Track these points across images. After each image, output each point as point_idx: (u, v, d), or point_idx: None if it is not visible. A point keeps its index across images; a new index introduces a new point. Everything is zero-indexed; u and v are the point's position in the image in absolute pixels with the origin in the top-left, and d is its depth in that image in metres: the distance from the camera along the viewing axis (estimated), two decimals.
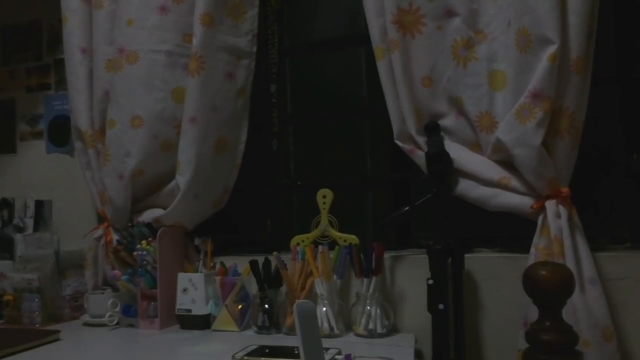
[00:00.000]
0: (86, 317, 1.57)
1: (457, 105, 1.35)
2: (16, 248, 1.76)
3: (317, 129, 1.78)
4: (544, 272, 0.89)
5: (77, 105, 1.70)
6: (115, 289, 1.60)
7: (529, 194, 1.23)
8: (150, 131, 1.58)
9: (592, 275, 1.16)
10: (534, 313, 1.00)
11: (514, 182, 1.25)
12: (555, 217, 1.18)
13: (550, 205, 1.19)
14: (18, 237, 1.77)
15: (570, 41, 1.16)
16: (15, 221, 1.89)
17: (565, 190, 1.20)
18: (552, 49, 1.15)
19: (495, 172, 1.28)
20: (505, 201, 1.26)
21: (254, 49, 1.66)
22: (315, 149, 1.77)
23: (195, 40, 1.52)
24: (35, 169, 2.00)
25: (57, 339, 1.37)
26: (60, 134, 1.95)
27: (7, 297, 1.61)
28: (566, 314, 0.95)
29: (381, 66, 1.41)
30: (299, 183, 1.77)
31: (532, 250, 1.22)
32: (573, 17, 1.16)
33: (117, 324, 1.53)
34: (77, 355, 1.26)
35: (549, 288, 0.88)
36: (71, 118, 1.74)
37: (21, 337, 1.34)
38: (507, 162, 1.26)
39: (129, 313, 1.52)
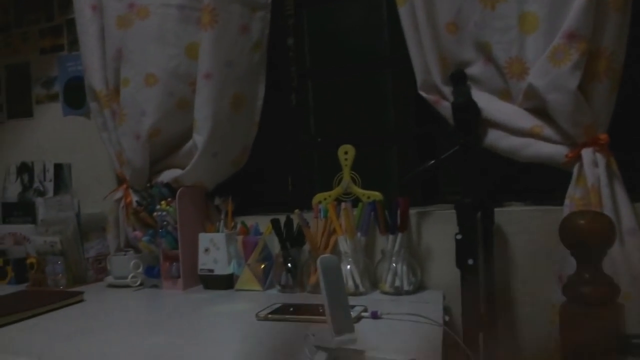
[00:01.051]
0: (110, 279, 1.57)
1: (484, 51, 1.27)
2: (37, 212, 1.77)
3: (337, 83, 1.71)
4: (582, 222, 0.84)
5: (90, 64, 1.66)
6: (137, 250, 1.59)
7: (564, 142, 1.16)
8: (165, 89, 1.54)
9: (632, 226, 1.10)
10: (570, 266, 0.95)
11: (547, 131, 1.18)
12: (593, 165, 1.11)
13: (587, 153, 1.12)
14: (39, 200, 1.77)
15: None
16: (36, 185, 1.89)
17: (603, 137, 1.13)
18: None
19: (527, 120, 1.21)
20: (538, 151, 1.19)
21: (269, 0, 1.59)
22: (335, 104, 1.71)
23: None
24: (52, 132, 1.99)
25: (81, 300, 1.38)
26: (76, 95, 1.92)
27: (30, 260, 1.62)
28: (605, 266, 0.90)
29: (403, 12, 1.33)
30: (319, 139, 1.72)
31: (567, 201, 1.15)
32: None
33: (141, 284, 1.53)
34: (101, 315, 1.26)
35: (589, 237, 0.83)
36: (85, 78, 1.70)
37: (46, 298, 1.34)
38: (540, 110, 1.19)
39: (152, 274, 1.51)
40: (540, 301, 1.23)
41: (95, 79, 1.65)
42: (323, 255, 0.80)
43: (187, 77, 1.54)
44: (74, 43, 1.88)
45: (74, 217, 1.63)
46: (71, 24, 1.87)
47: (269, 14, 1.60)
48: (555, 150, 1.17)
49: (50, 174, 1.88)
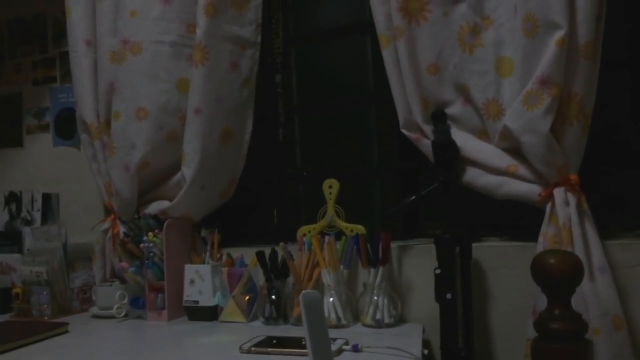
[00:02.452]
0: (95, 309, 1.58)
1: (463, 92, 1.33)
2: (24, 241, 1.78)
3: (323, 119, 1.77)
4: (552, 260, 0.88)
5: (82, 97, 1.69)
6: (123, 281, 1.60)
7: (537, 181, 1.22)
8: (156, 123, 1.58)
9: (602, 263, 1.14)
10: (543, 302, 0.98)
11: (522, 170, 1.23)
12: (564, 204, 1.16)
13: (558, 192, 1.17)
14: (26, 230, 1.79)
15: (579, 25, 1.14)
16: (23, 214, 1.91)
17: (574, 177, 1.18)
18: (559, 33, 1.13)
19: (503, 160, 1.26)
20: (513, 189, 1.25)
21: (259, 38, 1.65)
22: (321, 139, 1.76)
23: (199, 31, 1.51)
24: (42, 162, 2.01)
25: (66, 331, 1.38)
26: (66, 126, 1.95)
27: (16, 290, 1.62)
28: (576, 302, 0.94)
29: (387, 54, 1.39)
30: (305, 173, 1.76)
31: (541, 238, 1.20)
32: (581, 1, 1.14)
33: (126, 315, 1.53)
34: (86, 347, 1.27)
35: (558, 276, 0.87)
36: (76, 110, 1.74)
37: (31, 329, 1.35)
38: (515, 150, 1.25)
39: (137, 305, 1.52)
40: (516, 335, 1.27)
41: (86, 112, 1.69)
42: (305, 291, 0.83)
43: (177, 111, 1.58)
44: (66, 75, 1.92)
45: (60, 247, 1.64)
46: (64, 56, 1.91)
47: (259, 52, 1.65)
48: (529, 189, 1.22)
49: (38, 204, 1.90)
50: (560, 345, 0.87)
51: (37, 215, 1.89)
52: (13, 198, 1.94)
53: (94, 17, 1.68)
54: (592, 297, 1.11)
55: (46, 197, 1.90)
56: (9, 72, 2.08)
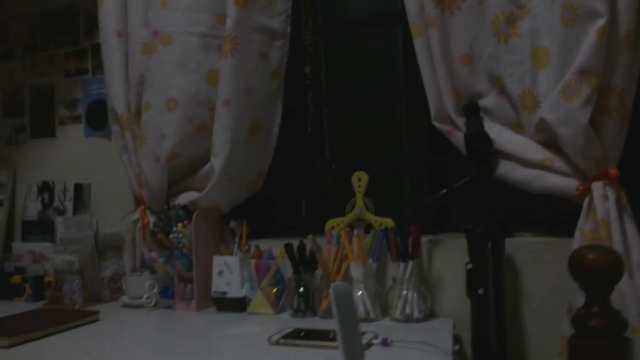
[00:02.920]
0: (125, 299, 1.60)
1: (497, 84, 1.30)
2: (56, 230, 1.81)
3: (352, 111, 1.75)
4: (592, 256, 0.85)
5: (114, 88, 1.71)
6: (152, 271, 1.62)
7: (575, 175, 1.18)
8: (185, 114, 1.58)
9: None
10: (578, 298, 0.96)
11: (558, 163, 1.20)
12: (603, 199, 1.13)
13: (597, 187, 1.14)
14: (58, 219, 1.81)
15: (620, 14, 1.11)
16: (56, 204, 1.94)
17: (613, 171, 1.14)
18: (600, 22, 1.09)
19: (538, 152, 1.23)
20: (549, 183, 1.21)
21: (288, 29, 1.64)
22: (350, 131, 1.74)
23: (229, 21, 1.51)
24: (74, 152, 2.04)
25: (97, 320, 1.40)
26: (97, 117, 1.98)
27: (48, 279, 1.65)
28: (614, 299, 0.91)
29: (418, 44, 1.36)
30: (333, 166, 1.75)
31: (577, 234, 1.17)
32: None
33: (155, 305, 1.55)
34: (116, 335, 1.29)
35: (598, 272, 0.84)
36: (108, 102, 1.76)
37: (62, 317, 1.37)
38: (551, 143, 1.22)
39: (167, 295, 1.54)
40: (550, 332, 1.24)
41: (117, 103, 1.70)
42: (336, 283, 0.82)
43: (207, 102, 1.58)
44: (98, 67, 1.94)
45: (92, 236, 1.67)
46: (96, 48, 1.94)
47: (288, 43, 1.64)
48: (566, 183, 1.19)
49: (70, 194, 1.93)
50: (599, 343, 0.84)
51: (69, 205, 1.92)
52: (46, 188, 1.98)
53: (125, 9, 1.70)
54: (631, 294, 1.08)
55: (78, 187, 1.93)
56: (42, 63, 2.12)
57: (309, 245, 1.42)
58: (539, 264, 1.30)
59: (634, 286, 1.09)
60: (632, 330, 1.04)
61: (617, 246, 1.09)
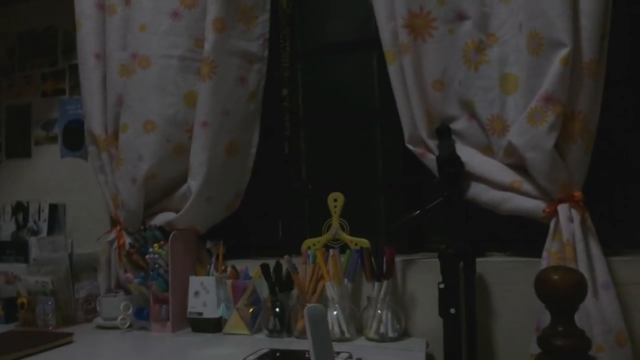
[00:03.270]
0: (99, 320, 1.58)
1: (468, 108, 1.35)
2: (30, 251, 1.79)
3: (329, 133, 1.78)
4: (555, 277, 0.88)
5: (91, 109, 1.72)
6: (127, 292, 1.61)
7: (542, 197, 1.22)
8: (163, 135, 1.59)
9: (606, 280, 1.14)
10: (546, 318, 0.99)
11: (526, 186, 1.24)
12: (568, 221, 1.17)
13: (562, 209, 1.18)
14: (32, 240, 1.79)
15: (583, 43, 1.16)
16: (30, 224, 1.92)
17: (578, 194, 1.18)
18: (564, 51, 1.14)
19: (507, 175, 1.27)
20: (517, 205, 1.25)
21: (266, 53, 1.67)
22: (326, 153, 1.77)
23: (207, 45, 1.53)
24: (49, 173, 2.03)
25: (70, 342, 1.39)
26: (74, 138, 1.97)
27: (21, 300, 1.63)
28: (579, 319, 0.95)
29: (392, 70, 1.40)
30: (310, 186, 1.77)
31: (545, 254, 1.20)
32: (585, 20, 1.15)
33: (130, 326, 1.54)
34: (90, 357, 1.28)
35: (561, 293, 0.87)
36: (85, 122, 1.76)
37: (35, 339, 1.36)
38: (519, 166, 1.26)
39: (142, 316, 1.53)
40: (520, 351, 1.26)
41: (95, 124, 1.71)
42: (310, 305, 0.84)
43: (184, 124, 1.60)
44: (75, 87, 1.95)
45: (66, 257, 1.66)
46: (73, 69, 1.94)
47: (265, 67, 1.68)
48: (533, 205, 1.23)
49: (45, 214, 1.91)
50: None
51: (44, 226, 1.90)
52: (20, 208, 1.96)
53: (103, 31, 1.71)
54: (596, 313, 1.11)
55: (53, 208, 1.92)
56: (18, 84, 2.12)
57: (285, 266, 1.44)
58: (510, 284, 1.33)
59: (599, 306, 1.13)
60: (597, 349, 1.08)
61: (582, 267, 1.13)
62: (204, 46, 1.54)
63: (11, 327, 1.62)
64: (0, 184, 2.11)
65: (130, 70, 1.61)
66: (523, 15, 1.23)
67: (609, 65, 1.20)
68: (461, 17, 1.34)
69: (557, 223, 1.19)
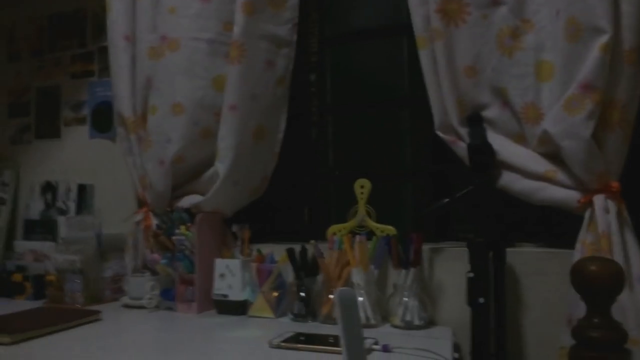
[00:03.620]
0: (126, 299, 1.60)
1: (501, 96, 1.32)
2: (59, 230, 1.81)
3: (357, 119, 1.77)
4: (594, 267, 0.87)
5: (120, 91, 1.73)
6: (154, 272, 1.62)
7: (576, 187, 1.20)
8: (191, 118, 1.60)
9: None
10: (579, 309, 0.97)
11: (560, 176, 1.22)
12: (604, 212, 1.14)
13: (598, 199, 1.15)
14: (61, 219, 1.82)
15: (623, 31, 1.13)
16: (59, 204, 1.95)
17: (615, 184, 1.16)
18: (603, 38, 1.11)
19: (541, 164, 1.25)
20: (551, 195, 1.23)
21: (294, 37, 1.66)
22: (354, 139, 1.76)
23: (236, 29, 1.53)
24: (78, 154, 2.05)
25: (98, 319, 1.41)
26: (103, 120, 1.99)
27: (50, 277, 1.66)
28: (614, 311, 0.92)
29: (423, 56, 1.38)
30: (337, 173, 1.76)
31: (578, 245, 1.18)
32: (626, 6, 1.12)
33: (156, 306, 1.55)
34: (117, 335, 1.29)
35: (599, 284, 0.86)
36: (114, 104, 1.77)
37: (63, 316, 1.38)
38: (553, 155, 1.23)
39: (168, 296, 1.55)
40: (549, 342, 1.25)
41: (123, 106, 1.72)
42: (341, 288, 0.83)
43: (213, 107, 1.60)
44: (104, 70, 1.96)
45: (94, 237, 1.68)
46: (102, 51, 1.95)
47: (294, 51, 1.67)
48: (568, 195, 1.21)
49: (73, 194, 1.94)
50: (599, 354, 0.85)
51: (72, 206, 1.93)
52: (49, 188, 1.99)
53: (133, 13, 1.72)
54: (631, 306, 1.09)
55: (81, 188, 1.95)
56: (48, 65, 2.14)
57: (310, 251, 1.43)
58: (540, 275, 1.31)
59: (634, 299, 1.11)
60: (632, 343, 1.05)
61: (618, 259, 1.10)
62: (232, 30, 1.54)
63: (39, 304, 1.65)
64: (29, 164, 2.14)
65: (159, 53, 1.62)
66: (560, 1, 1.20)
67: None
68: (496, 2, 1.31)
69: (592, 214, 1.16)
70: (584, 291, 0.89)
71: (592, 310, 0.88)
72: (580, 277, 0.88)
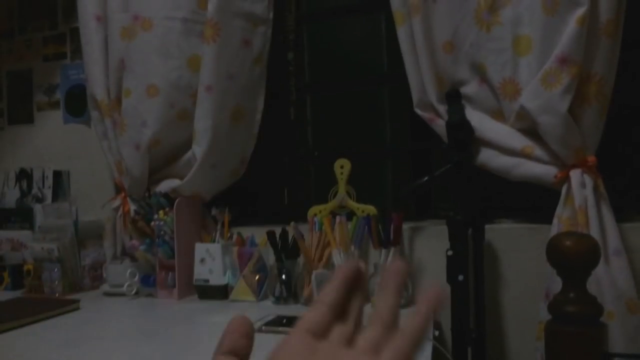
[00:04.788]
0: (105, 287, 1.58)
1: (479, 71, 1.31)
2: (35, 218, 1.78)
3: (335, 98, 1.75)
4: (569, 242, 0.87)
5: (93, 74, 1.68)
6: (133, 259, 1.61)
7: (553, 163, 1.20)
8: (167, 100, 1.56)
9: (617, 246, 1.13)
10: (556, 284, 0.97)
11: (538, 151, 1.21)
12: (580, 186, 1.14)
13: (575, 174, 1.15)
14: (37, 207, 1.79)
15: (600, 3, 1.12)
16: (34, 191, 1.91)
17: (591, 159, 1.16)
18: (580, 11, 1.10)
19: (518, 140, 1.24)
20: (528, 171, 1.23)
21: (271, 15, 1.62)
22: (333, 118, 1.74)
23: (210, 7, 1.49)
24: (52, 139, 2.01)
25: (77, 308, 1.39)
26: (77, 103, 1.94)
27: (27, 267, 1.63)
28: (590, 285, 0.93)
29: (401, 32, 1.36)
30: (316, 153, 1.74)
31: (555, 220, 1.19)
32: None
33: (136, 293, 1.54)
34: (96, 323, 1.27)
35: (574, 258, 0.86)
36: (87, 87, 1.73)
37: (42, 306, 1.36)
38: (531, 131, 1.23)
39: (148, 283, 1.53)
40: (528, 317, 1.26)
41: (97, 89, 1.67)
42: (318, 271, 0.82)
43: (188, 88, 1.57)
44: (77, 51, 1.91)
45: (71, 224, 1.65)
46: (75, 32, 1.90)
47: (270, 29, 1.63)
48: (545, 171, 1.21)
49: (49, 181, 1.90)
50: (575, 328, 0.86)
51: (48, 193, 1.89)
52: (24, 175, 1.94)
53: None
54: (607, 280, 1.10)
55: (57, 175, 1.91)
56: (19, 48, 2.07)
57: (291, 233, 1.42)
58: (518, 251, 1.32)
59: (610, 273, 1.11)
60: (608, 316, 1.07)
61: (594, 233, 1.11)
62: (206, 8, 1.50)
63: (18, 294, 1.63)
64: (3, 150, 2.09)
65: (132, 33, 1.57)
66: None
67: (625, 27, 1.15)
68: None
69: (569, 189, 1.17)
70: (560, 266, 0.89)
71: (567, 285, 0.88)
72: (555, 253, 0.88)
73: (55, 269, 1.58)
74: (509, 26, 1.25)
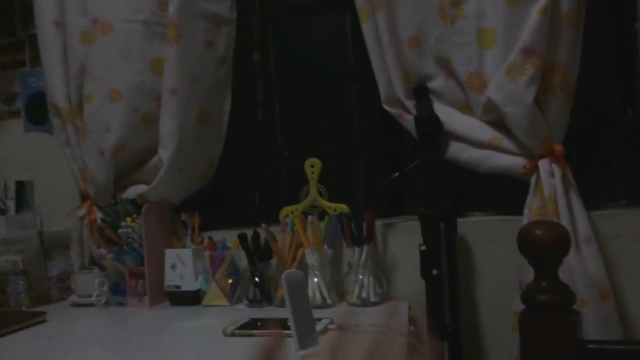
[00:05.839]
0: (74, 298, 1.54)
1: (445, 65, 1.31)
2: None
3: (303, 97, 1.73)
4: (539, 232, 0.86)
5: (53, 80, 1.63)
6: (102, 268, 1.57)
7: (522, 154, 1.20)
8: (130, 105, 1.52)
9: (588, 234, 1.13)
10: (529, 274, 0.97)
11: (506, 143, 1.21)
12: (549, 176, 1.15)
13: (543, 164, 1.16)
14: (0, 219, 1.73)
15: None
16: None
17: (558, 148, 1.16)
18: (542, 1, 1.10)
19: (487, 133, 1.24)
20: (497, 162, 1.23)
21: (234, 15, 1.60)
22: (301, 118, 1.72)
23: (171, 8, 1.45)
24: (14, 149, 1.94)
25: (44, 321, 1.35)
26: (38, 111, 1.88)
27: None
28: (562, 274, 0.93)
29: (366, 28, 1.35)
30: (285, 153, 1.72)
31: (526, 211, 1.19)
32: None
33: (106, 303, 1.50)
34: (64, 336, 1.23)
35: (545, 247, 0.85)
36: (47, 94, 1.68)
37: (7, 319, 1.31)
38: (499, 123, 1.23)
39: (118, 292, 1.49)
40: (503, 309, 1.26)
41: (57, 95, 1.63)
42: (287, 271, 0.81)
43: (152, 92, 1.53)
44: (36, 58, 1.85)
45: (36, 235, 1.60)
46: (33, 39, 1.83)
47: (235, 30, 1.60)
48: (513, 162, 1.21)
49: (11, 192, 1.84)
50: (548, 316, 0.85)
51: (11, 204, 1.83)
52: None
53: None
54: (579, 268, 1.11)
55: (19, 185, 1.85)
56: None
57: (263, 235, 1.40)
58: (491, 243, 1.32)
59: (582, 260, 1.12)
60: (581, 303, 1.07)
61: (564, 221, 1.11)
62: (167, 9, 1.47)
63: None
64: None
65: (91, 37, 1.53)
66: None
67: (587, 16, 1.16)
68: None
69: (537, 179, 1.17)
70: (531, 255, 0.88)
71: (539, 274, 0.88)
72: (526, 242, 0.88)
73: (21, 282, 1.53)
74: (473, 19, 1.25)
